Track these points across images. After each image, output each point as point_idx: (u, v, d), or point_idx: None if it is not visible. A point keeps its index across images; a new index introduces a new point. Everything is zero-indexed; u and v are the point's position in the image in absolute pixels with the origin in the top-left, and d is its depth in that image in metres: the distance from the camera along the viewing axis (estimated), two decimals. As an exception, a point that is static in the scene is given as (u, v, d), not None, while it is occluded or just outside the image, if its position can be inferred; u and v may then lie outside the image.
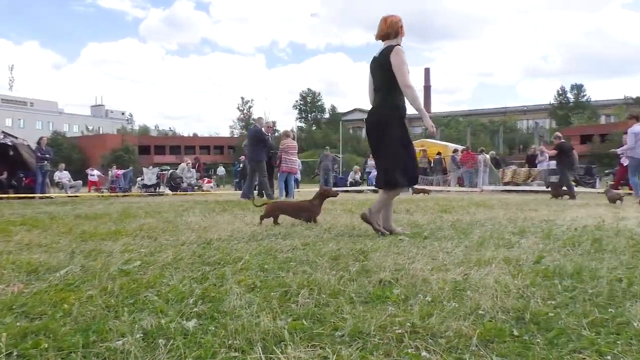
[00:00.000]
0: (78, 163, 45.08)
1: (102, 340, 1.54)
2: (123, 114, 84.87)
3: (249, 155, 11.25)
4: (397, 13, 4.24)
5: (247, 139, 11.47)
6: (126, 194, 15.91)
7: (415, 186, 15.84)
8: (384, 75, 4.14)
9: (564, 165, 12.22)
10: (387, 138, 4.15)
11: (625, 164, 11.08)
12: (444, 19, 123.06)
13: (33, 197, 12.33)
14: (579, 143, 50.57)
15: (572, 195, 10.64)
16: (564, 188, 11.16)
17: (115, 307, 1.90)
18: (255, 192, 11.78)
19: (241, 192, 11.89)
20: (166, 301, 1.97)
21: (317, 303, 1.94)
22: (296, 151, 12.59)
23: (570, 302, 1.92)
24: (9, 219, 5.85)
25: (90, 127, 75.80)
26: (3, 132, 14.24)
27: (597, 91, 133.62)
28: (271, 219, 5.04)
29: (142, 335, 1.57)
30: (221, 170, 34.45)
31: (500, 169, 18.38)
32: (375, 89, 4.32)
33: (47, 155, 14.26)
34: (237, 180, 21.28)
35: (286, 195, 11.60)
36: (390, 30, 4.19)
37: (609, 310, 1.81)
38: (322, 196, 5.28)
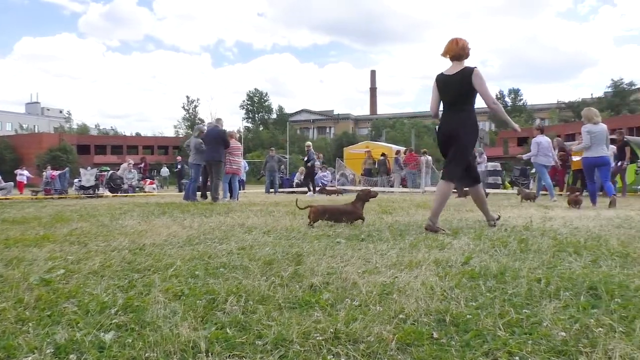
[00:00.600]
0: (11, 163, 42.79)
1: (9, 357, 1.46)
2: (61, 112, 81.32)
3: (209, 155, 10.67)
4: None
5: (205, 138, 10.95)
6: (62, 196, 15.21)
7: (327, 187, 16.34)
8: (464, 93, 4.62)
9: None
10: (461, 147, 4.65)
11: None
12: (389, 22, 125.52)
13: (-43, 200, 11.58)
14: (516, 145, 52.91)
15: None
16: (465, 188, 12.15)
17: (29, 320, 1.80)
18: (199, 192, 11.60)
19: (183, 193, 11.62)
20: (86, 312, 1.89)
21: (244, 310, 1.91)
22: (241, 152, 12.47)
23: (490, 303, 1.99)
24: None
25: (25, 126, 72.18)
26: None
27: (533, 95, 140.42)
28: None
29: (53, 350, 1.49)
30: (165, 171, 33.65)
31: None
32: (448, 103, 4.74)
33: (-26, 156, 13.44)
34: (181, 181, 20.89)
35: (230, 197, 11.45)
36: (462, 53, 4.71)
37: (525, 310, 1.88)
38: (363, 198, 5.34)
